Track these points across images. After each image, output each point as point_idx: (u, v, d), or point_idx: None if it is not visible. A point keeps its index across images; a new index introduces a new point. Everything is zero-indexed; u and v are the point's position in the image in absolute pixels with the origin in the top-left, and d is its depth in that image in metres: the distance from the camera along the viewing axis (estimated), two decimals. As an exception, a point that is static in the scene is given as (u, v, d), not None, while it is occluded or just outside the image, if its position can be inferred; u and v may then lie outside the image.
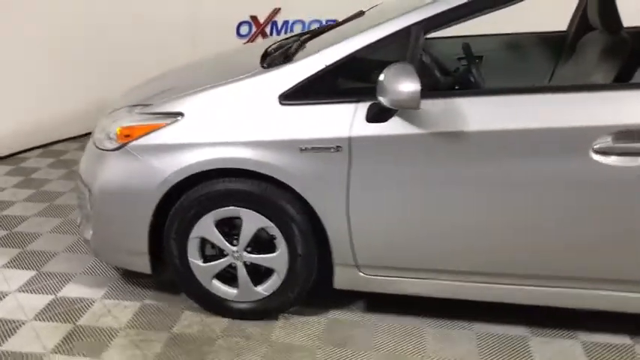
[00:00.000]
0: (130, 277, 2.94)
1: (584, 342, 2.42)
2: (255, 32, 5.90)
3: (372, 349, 2.41)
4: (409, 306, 2.60)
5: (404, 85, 2.03)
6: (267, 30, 5.93)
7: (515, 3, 2.26)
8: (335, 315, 2.65)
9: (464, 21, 2.33)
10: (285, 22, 5.92)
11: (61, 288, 2.87)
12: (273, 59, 2.53)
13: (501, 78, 3.52)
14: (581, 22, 3.27)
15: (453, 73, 2.98)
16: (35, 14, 4.81)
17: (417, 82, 2.02)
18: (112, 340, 2.48)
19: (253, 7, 5.88)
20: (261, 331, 2.54)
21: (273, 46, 2.80)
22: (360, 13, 3.07)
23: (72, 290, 2.86)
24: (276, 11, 5.90)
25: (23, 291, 2.85)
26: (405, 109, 2.14)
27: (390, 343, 2.45)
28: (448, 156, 2.20)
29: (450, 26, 2.31)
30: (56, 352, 2.40)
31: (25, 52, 4.80)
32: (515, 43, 3.64)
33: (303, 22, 5.82)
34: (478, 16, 2.31)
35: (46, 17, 4.87)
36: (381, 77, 2.08)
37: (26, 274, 3.00)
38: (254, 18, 5.90)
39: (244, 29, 5.94)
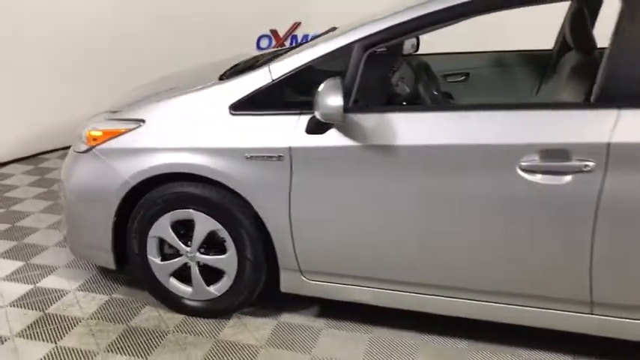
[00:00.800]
0: (107, 272, 3.12)
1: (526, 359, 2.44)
2: (275, 46, 6.07)
3: (308, 353, 2.49)
4: (362, 312, 2.66)
5: (330, 99, 2.14)
6: (287, 43, 6.11)
7: (453, 23, 2.32)
8: (286, 318, 2.75)
9: (406, 38, 2.42)
10: (305, 36, 6.08)
11: (42, 279, 3.09)
12: (229, 72, 2.67)
13: (488, 94, 3.57)
14: (563, 41, 3.28)
15: (416, 90, 3.05)
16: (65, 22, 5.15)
17: (340, 97, 2.12)
18: (72, 328, 2.67)
19: (274, 22, 6.08)
20: (211, 328, 2.66)
21: (245, 60, 2.95)
22: (333, 29, 3.18)
23: (51, 281, 3.07)
24: (296, 25, 6.07)
25: (7, 279, 3.08)
26: (341, 122, 2.24)
27: (330, 348, 2.52)
28: (379, 168, 2.28)
29: (391, 43, 2.40)
30: (19, 336, 2.60)
31: (57, 56, 5.14)
32: (504, 61, 3.68)
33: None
34: (418, 34, 2.39)
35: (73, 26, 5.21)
36: (317, 91, 2.19)
37: (15, 264, 3.24)
38: (274, 32, 6.10)
39: (264, 42, 6.14)
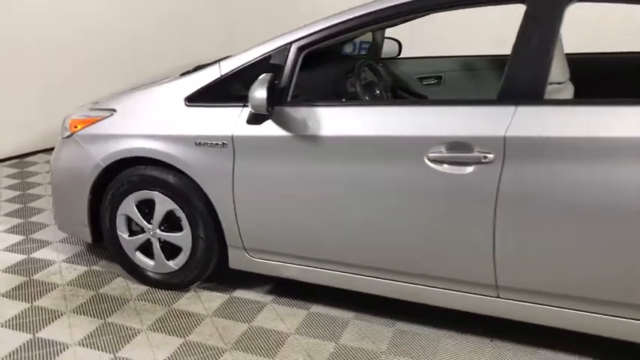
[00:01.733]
0: (92, 247, 3.48)
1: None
2: None
3: (248, 323, 2.76)
4: (309, 291, 2.90)
5: (256, 93, 2.41)
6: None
7: (380, 28, 2.55)
8: (239, 294, 3.02)
9: (338, 41, 2.67)
10: None
11: (36, 250, 3.48)
12: (192, 69, 2.98)
13: (458, 95, 3.76)
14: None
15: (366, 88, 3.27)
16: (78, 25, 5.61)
17: (265, 91, 2.39)
18: (49, 292, 3.03)
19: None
20: (169, 299, 2.97)
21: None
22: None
23: (43, 253, 3.46)
24: None
25: (6, 250, 3.49)
26: (265, 113, 2.50)
27: (269, 321, 2.78)
28: (307, 157, 2.53)
29: (325, 44, 2.64)
30: (3, 297, 2.98)
31: (72, 55, 5.61)
32: (474, 65, 3.85)
33: None
34: (351, 36, 2.63)
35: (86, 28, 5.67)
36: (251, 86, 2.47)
37: (16, 238, 3.65)
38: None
39: None
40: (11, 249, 3.51)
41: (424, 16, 2.72)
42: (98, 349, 2.55)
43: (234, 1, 6.77)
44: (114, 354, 2.52)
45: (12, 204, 4.25)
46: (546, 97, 2.26)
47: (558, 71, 2.48)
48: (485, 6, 2.54)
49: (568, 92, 2.65)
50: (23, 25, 5.33)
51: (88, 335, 2.65)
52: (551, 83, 2.37)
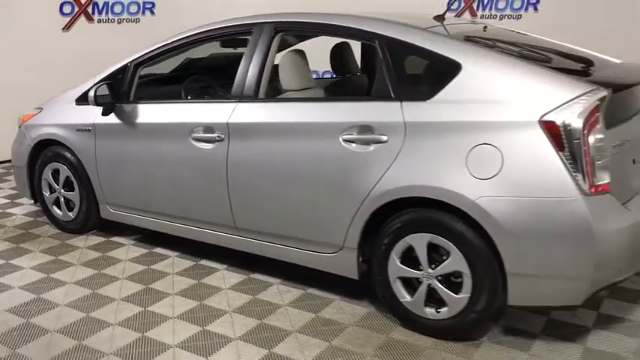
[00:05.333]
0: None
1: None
2: (77, 13, 6.90)
3: (128, 262, 4.00)
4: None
5: (90, 93, 3.73)
6: (90, 10, 6.97)
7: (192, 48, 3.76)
8: (117, 239, 4.28)
9: (166, 58, 3.91)
10: (105, 4, 7.05)
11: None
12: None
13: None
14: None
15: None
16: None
17: (93, 93, 3.70)
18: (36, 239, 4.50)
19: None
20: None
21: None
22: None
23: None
24: None
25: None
26: (118, 108, 3.81)
27: (132, 265, 4.02)
28: (131, 137, 3.79)
29: (159, 62, 3.90)
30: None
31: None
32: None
33: (122, 4, 7.12)
34: (172, 55, 3.88)
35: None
36: (94, 90, 3.80)
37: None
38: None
39: (67, 9, 6.88)
40: (25, 213, 5.07)
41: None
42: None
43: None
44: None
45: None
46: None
47: (292, 82, 3.49)
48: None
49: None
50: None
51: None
52: (286, 90, 3.46)
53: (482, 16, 6.72)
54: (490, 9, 6.70)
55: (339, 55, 4.00)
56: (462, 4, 6.70)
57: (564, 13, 6.05)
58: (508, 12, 6.61)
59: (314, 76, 4.74)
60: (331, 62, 4.13)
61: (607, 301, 3.26)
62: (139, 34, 6.74)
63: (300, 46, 3.93)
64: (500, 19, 6.65)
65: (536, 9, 6.45)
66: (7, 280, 3.63)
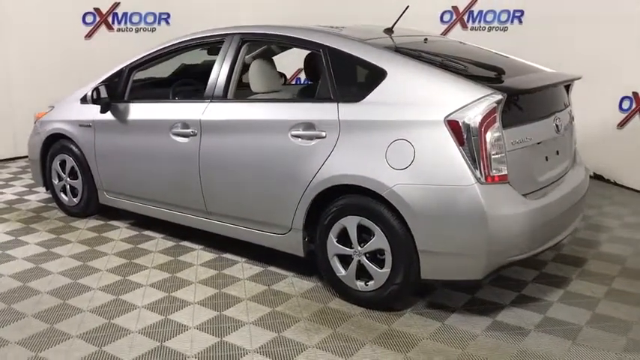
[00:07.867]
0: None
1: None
2: (99, 22, 7.54)
3: (119, 241, 4.57)
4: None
5: (88, 94, 4.30)
6: (110, 19, 7.59)
7: (177, 54, 4.31)
8: (113, 222, 4.84)
9: (156, 63, 4.46)
10: (125, 14, 7.66)
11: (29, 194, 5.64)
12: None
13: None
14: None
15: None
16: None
17: (90, 93, 4.27)
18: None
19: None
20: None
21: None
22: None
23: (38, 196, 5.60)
24: (116, 5, 7.57)
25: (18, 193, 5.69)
26: (114, 107, 4.38)
27: (122, 244, 4.57)
28: (124, 131, 4.35)
29: (150, 66, 4.46)
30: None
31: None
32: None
33: (140, 14, 7.69)
34: (164, 60, 4.43)
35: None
36: (96, 90, 4.38)
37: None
38: (97, 10, 7.54)
39: (89, 18, 7.53)
40: (22, 191, 5.71)
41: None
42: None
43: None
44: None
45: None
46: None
47: (260, 85, 4.00)
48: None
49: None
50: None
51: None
52: (255, 92, 3.97)
53: (472, 29, 7.12)
54: (479, 21, 7.09)
55: (309, 63, 4.49)
56: (454, 17, 7.14)
57: (546, 25, 6.38)
58: (496, 24, 6.99)
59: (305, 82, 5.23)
60: (304, 69, 4.61)
61: (532, 285, 3.66)
62: (155, 42, 7.30)
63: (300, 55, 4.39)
64: (489, 30, 7.04)
65: (520, 21, 6.81)
66: (13, 253, 4.21)
